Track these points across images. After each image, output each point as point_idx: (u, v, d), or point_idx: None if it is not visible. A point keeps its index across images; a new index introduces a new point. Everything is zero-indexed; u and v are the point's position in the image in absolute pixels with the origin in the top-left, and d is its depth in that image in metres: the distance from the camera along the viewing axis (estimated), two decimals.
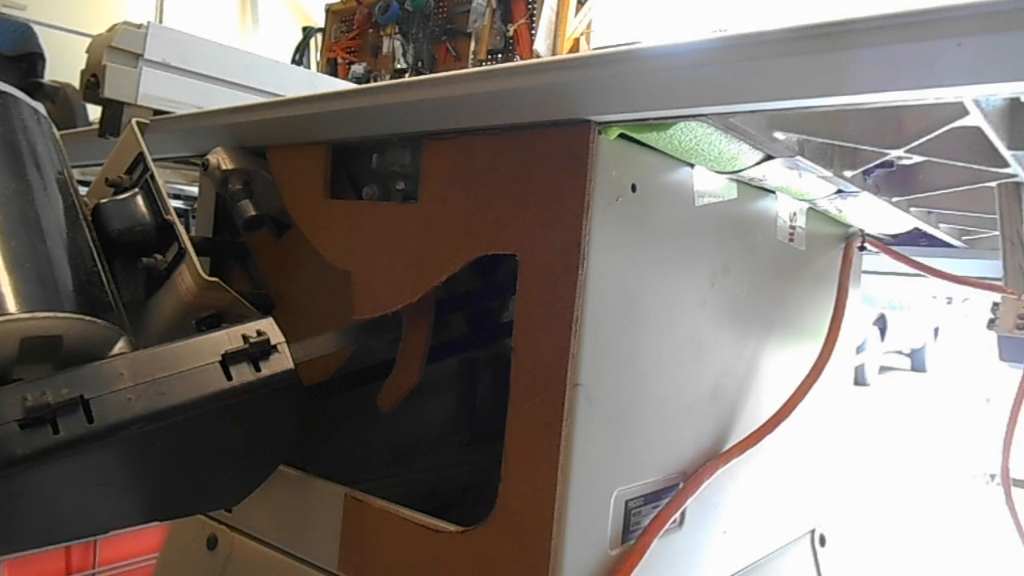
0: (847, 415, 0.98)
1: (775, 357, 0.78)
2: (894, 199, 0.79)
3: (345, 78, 2.62)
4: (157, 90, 1.03)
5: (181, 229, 0.66)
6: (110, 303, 0.57)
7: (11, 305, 0.49)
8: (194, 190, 1.32)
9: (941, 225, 0.95)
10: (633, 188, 0.56)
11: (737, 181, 0.67)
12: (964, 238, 1.03)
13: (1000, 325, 0.87)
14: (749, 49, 0.44)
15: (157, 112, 1.01)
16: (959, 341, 8.26)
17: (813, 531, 0.93)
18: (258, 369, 0.56)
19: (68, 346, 0.52)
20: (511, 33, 2.38)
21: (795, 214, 0.79)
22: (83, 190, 0.67)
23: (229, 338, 0.56)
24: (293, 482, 0.71)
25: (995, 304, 0.88)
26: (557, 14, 2.29)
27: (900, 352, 7.70)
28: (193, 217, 1.02)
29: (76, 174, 0.64)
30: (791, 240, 0.78)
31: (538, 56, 2.24)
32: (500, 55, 2.40)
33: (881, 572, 2.57)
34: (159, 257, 0.66)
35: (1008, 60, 0.36)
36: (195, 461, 0.57)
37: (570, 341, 0.53)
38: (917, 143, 0.59)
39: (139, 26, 1.02)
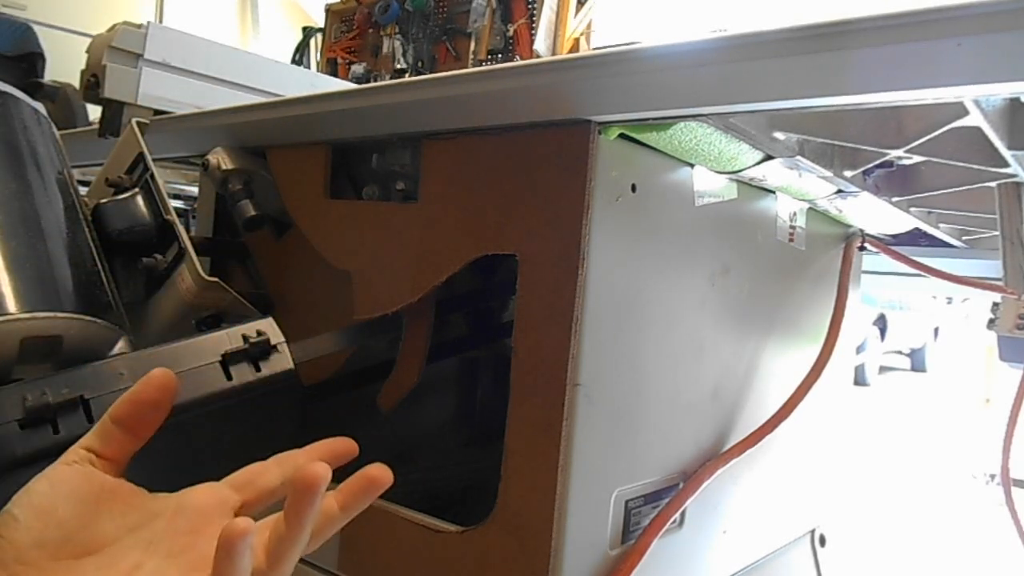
0: (847, 415, 0.98)
1: (775, 357, 0.78)
2: (894, 199, 0.79)
3: (345, 78, 2.62)
4: (157, 90, 1.03)
5: (181, 229, 0.66)
6: (110, 303, 0.57)
7: (11, 305, 0.49)
8: (194, 190, 1.32)
9: (941, 225, 0.95)
10: (633, 188, 0.56)
11: (737, 181, 0.67)
12: (964, 238, 1.03)
13: (1000, 325, 0.87)
14: (749, 49, 0.44)
15: (157, 112, 1.00)
16: (959, 341, 8.26)
17: (813, 531, 0.93)
18: (258, 369, 0.56)
19: (68, 346, 0.52)
20: (511, 33, 2.37)
21: (795, 214, 0.79)
22: (83, 190, 0.67)
23: (229, 338, 0.56)
24: None
25: (995, 304, 0.88)
26: (557, 14, 2.29)
27: (900, 352, 7.69)
28: (193, 217, 1.02)
29: (76, 174, 0.64)
30: (791, 240, 0.78)
31: (538, 56, 2.24)
32: (500, 55, 2.40)
33: (881, 572, 2.57)
34: (159, 257, 0.66)
35: (1008, 60, 0.36)
36: (195, 461, 0.57)
37: (570, 341, 0.53)
38: (917, 143, 0.59)
39: (139, 26, 1.02)
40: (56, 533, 0.33)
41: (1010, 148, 0.56)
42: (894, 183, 0.78)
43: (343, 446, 0.41)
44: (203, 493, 0.38)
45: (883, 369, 7.23)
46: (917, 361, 7.84)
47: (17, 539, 0.32)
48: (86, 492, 0.35)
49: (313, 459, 0.39)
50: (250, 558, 0.32)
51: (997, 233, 0.79)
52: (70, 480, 0.35)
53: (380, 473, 0.39)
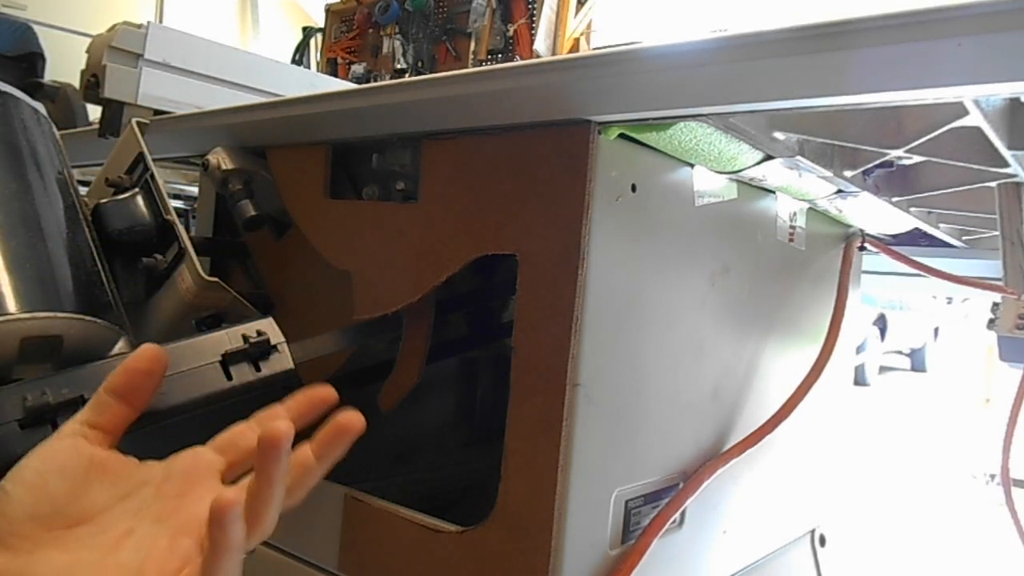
0: (847, 415, 0.98)
1: (775, 357, 0.78)
2: (894, 199, 0.79)
3: (345, 78, 2.62)
4: (157, 90, 1.03)
5: (181, 229, 0.66)
6: (110, 303, 0.57)
7: (11, 305, 0.49)
8: (194, 190, 1.32)
9: (941, 225, 0.95)
10: (633, 188, 0.56)
11: (737, 181, 0.67)
12: (964, 238, 1.03)
13: (1000, 325, 0.87)
14: (749, 49, 0.44)
15: (157, 112, 1.00)
16: (959, 341, 8.26)
17: (813, 531, 0.93)
18: (258, 369, 0.56)
19: (68, 346, 0.52)
20: (511, 33, 2.38)
21: (795, 214, 0.79)
22: (83, 190, 0.67)
23: (229, 338, 0.56)
24: None
25: (995, 304, 0.88)
26: (557, 14, 2.29)
27: (900, 352, 7.69)
28: (193, 217, 1.02)
29: (76, 174, 0.64)
30: (791, 240, 0.78)
31: (538, 56, 2.24)
32: (500, 55, 2.40)
33: (881, 572, 2.57)
34: (159, 257, 0.66)
35: (1008, 60, 0.36)
36: None
37: (570, 341, 0.53)
38: (917, 143, 0.59)
39: (139, 26, 1.02)
40: (47, 506, 0.35)
41: (1010, 148, 0.56)
42: (894, 183, 0.78)
43: (322, 394, 0.42)
44: (188, 458, 0.39)
45: (883, 369, 7.23)
46: (917, 361, 7.84)
47: (10, 512, 0.34)
48: (75, 465, 0.36)
49: (291, 412, 0.41)
50: (242, 526, 0.33)
51: (997, 233, 0.79)
52: (60, 455, 0.37)
53: (351, 419, 0.39)
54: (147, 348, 0.40)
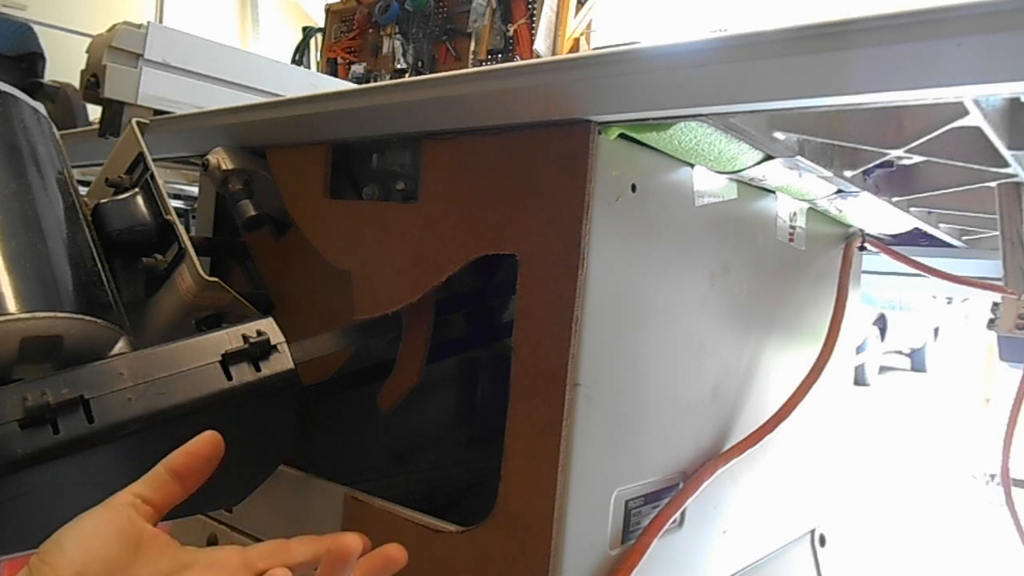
0: (847, 415, 0.98)
1: (775, 357, 0.78)
2: (894, 199, 0.79)
3: (345, 78, 2.62)
4: (157, 90, 1.03)
5: (181, 229, 0.66)
6: (110, 303, 0.57)
7: (11, 305, 0.49)
8: (194, 190, 1.32)
9: (941, 225, 0.95)
10: (633, 188, 0.56)
11: (737, 181, 0.67)
12: (964, 238, 1.03)
13: (1000, 325, 0.87)
14: (749, 49, 0.44)
15: (157, 112, 1.01)
16: (959, 341, 8.26)
17: (813, 531, 0.93)
18: (258, 369, 0.56)
19: (68, 346, 0.52)
20: (511, 33, 2.38)
21: (795, 214, 0.79)
22: (83, 190, 0.67)
23: (229, 338, 0.56)
24: (293, 482, 0.71)
25: (995, 304, 0.88)
26: (557, 14, 2.29)
27: (900, 352, 7.70)
28: (193, 217, 1.02)
29: (76, 174, 0.64)
30: (791, 240, 0.78)
31: (538, 56, 2.24)
32: (500, 55, 2.40)
33: (881, 572, 2.57)
34: (159, 257, 0.66)
35: (1008, 60, 0.36)
36: None
37: (570, 341, 0.53)
38: (917, 143, 0.59)
39: (139, 26, 1.02)
40: (97, 568, 0.35)
41: (1010, 148, 0.56)
42: (894, 183, 0.78)
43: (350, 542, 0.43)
44: (231, 552, 0.40)
45: (883, 369, 7.23)
46: (917, 361, 7.84)
47: (59, 567, 0.35)
48: (128, 535, 0.37)
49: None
50: None
51: (997, 233, 0.79)
52: (116, 521, 0.38)
53: (397, 553, 0.42)
54: (209, 434, 0.42)
